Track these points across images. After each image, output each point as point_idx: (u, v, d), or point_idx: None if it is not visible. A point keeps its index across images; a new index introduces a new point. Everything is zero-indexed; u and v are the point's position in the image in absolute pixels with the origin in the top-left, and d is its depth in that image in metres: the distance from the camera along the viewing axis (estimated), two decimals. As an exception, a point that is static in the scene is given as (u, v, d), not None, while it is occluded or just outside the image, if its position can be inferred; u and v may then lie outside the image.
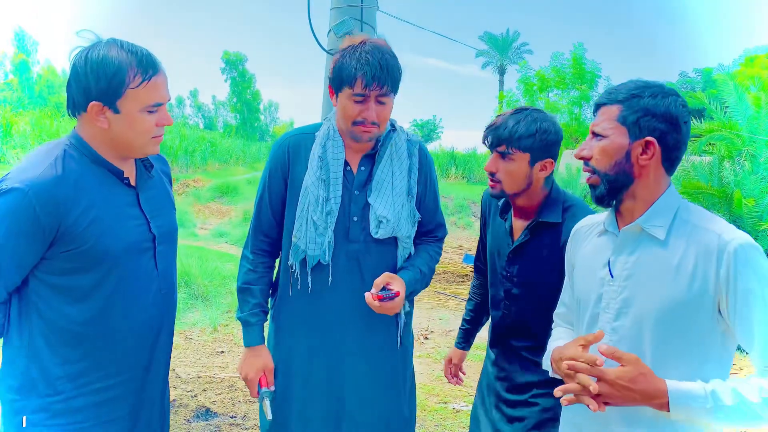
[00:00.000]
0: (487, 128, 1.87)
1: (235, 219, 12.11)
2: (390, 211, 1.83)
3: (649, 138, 1.37)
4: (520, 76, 28.61)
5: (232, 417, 3.53)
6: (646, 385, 1.27)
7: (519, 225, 1.94)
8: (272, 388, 1.92)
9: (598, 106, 1.45)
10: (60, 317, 1.54)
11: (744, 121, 8.68)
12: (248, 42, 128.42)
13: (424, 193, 1.98)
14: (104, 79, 1.47)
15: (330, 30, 3.93)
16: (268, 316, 1.99)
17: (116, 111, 1.51)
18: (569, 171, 11.59)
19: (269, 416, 1.87)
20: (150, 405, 1.73)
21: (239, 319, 1.95)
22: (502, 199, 1.98)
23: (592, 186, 1.44)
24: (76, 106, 1.54)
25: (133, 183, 1.66)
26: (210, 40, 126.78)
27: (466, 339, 2.37)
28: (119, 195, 1.61)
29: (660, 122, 1.37)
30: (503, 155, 1.82)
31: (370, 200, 1.83)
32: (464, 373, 2.41)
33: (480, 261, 2.24)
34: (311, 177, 1.84)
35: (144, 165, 1.71)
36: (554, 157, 1.85)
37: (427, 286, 2.01)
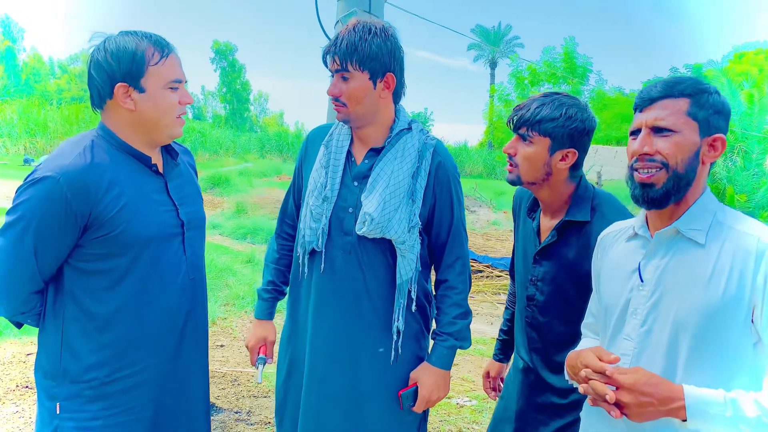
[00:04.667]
0: (514, 109, 1.80)
1: (228, 211, 11.99)
2: (378, 210, 1.73)
3: (719, 135, 1.33)
4: (511, 70, 28.69)
5: (236, 412, 3.50)
6: (662, 388, 1.23)
7: (547, 225, 1.83)
8: (270, 361, 2.03)
9: (652, 100, 1.35)
10: (94, 303, 1.58)
11: (736, 118, 8.72)
12: (238, 32, 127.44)
13: (435, 204, 1.84)
14: (126, 60, 1.55)
15: (338, 21, 3.89)
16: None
17: (141, 90, 1.57)
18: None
19: (258, 380, 1.99)
20: (184, 393, 1.75)
21: (256, 291, 2.08)
22: (531, 198, 1.91)
23: (651, 185, 1.33)
24: (102, 95, 1.59)
25: (161, 171, 1.70)
26: (200, 29, 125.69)
27: (503, 351, 2.24)
28: (148, 182, 1.65)
29: (724, 120, 1.34)
30: (523, 138, 1.73)
31: (362, 195, 1.78)
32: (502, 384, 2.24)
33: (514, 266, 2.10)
34: (316, 164, 1.87)
35: (170, 155, 1.75)
36: (579, 148, 1.73)
37: (467, 328, 1.88)
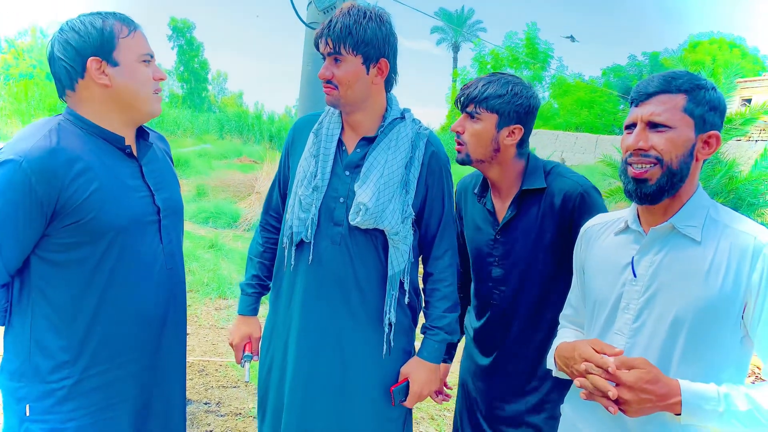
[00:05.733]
0: (461, 88, 1.82)
1: (188, 194, 11.68)
2: (372, 199, 1.69)
3: (714, 132, 1.33)
4: (474, 54, 28.83)
5: (206, 403, 3.41)
6: (661, 385, 1.24)
7: (501, 204, 1.85)
8: (256, 358, 1.98)
9: (649, 95, 1.35)
10: (64, 296, 1.49)
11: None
12: (196, 9, 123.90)
13: (427, 195, 1.81)
14: (95, 35, 1.48)
15: (310, 2, 3.77)
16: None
17: (114, 63, 1.51)
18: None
19: (246, 378, 1.95)
20: (165, 386, 1.69)
21: (239, 285, 2.02)
22: (479, 182, 1.91)
23: (644, 180, 1.33)
24: (72, 75, 1.50)
25: (134, 154, 1.62)
26: (156, 5, 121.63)
27: (447, 350, 2.14)
28: (121, 166, 1.56)
29: (719, 117, 1.34)
30: (471, 115, 1.77)
31: (355, 185, 1.74)
32: (450, 388, 2.17)
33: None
34: (305, 152, 1.82)
35: (143, 137, 1.67)
36: (524, 124, 1.77)
37: (456, 320, 1.85)
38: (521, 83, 1.77)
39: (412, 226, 1.79)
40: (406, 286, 1.80)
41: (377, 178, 1.71)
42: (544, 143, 23.38)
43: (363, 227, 1.72)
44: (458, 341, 1.95)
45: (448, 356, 2.17)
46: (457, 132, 1.80)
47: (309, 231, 1.76)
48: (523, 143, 1.80)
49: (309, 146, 1.81)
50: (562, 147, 24.02)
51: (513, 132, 1.76)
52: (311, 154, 1.79)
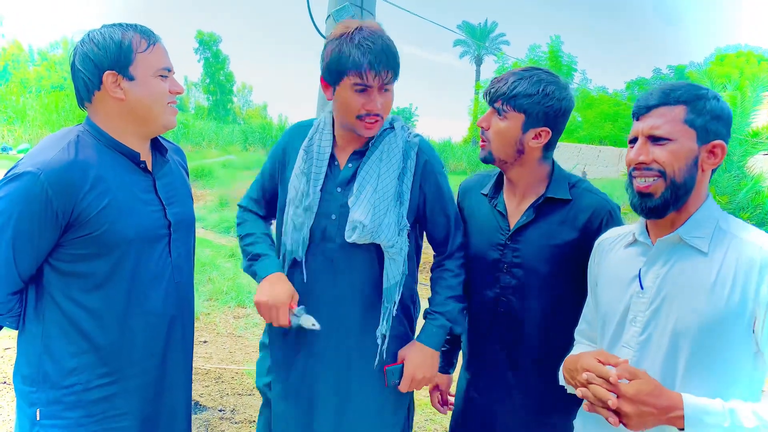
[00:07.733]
0: (491, 81, 1.74)
1: (211, 204, 11.87)
2: (368, 216, 1.67)
3: (718, 142, 1.32)
4: (497, 67, 28.81)
5: (220, 410, 3.45)
6: (663, 398, 1.22)
7: (515, 207, 1.77)
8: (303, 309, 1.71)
9: (649, 108, 1.34)
10: (74, 306, 1.52)
11: (719, 120, 8.80)
12: (222, 22, 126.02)
13: (424, 202, 1.80)
14: (113, 49, 1.51)
15: (329, 16, 3.82)
16: None
17: (130, 78, 1.53)
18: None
19: (317, 326, 1.68)
20: (170, 398, 1.70)
21: (246, 264, 1.83)
22: (489, 185, 1.85)
23: (649, 194, 1.33)
24: (89, 87, 1.53)
25: (149, 168, 1.64)
26: (183, 19, 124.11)
27: (448, 361, 2.09)
28: (135, 180, 1.59)
29: (723, 126, 1.33)
30: (498, 112, 1.69)
31: (349, 202, 1.72)
32: (452, 395, 2.10)
33: None
34: (295, 169, 1.79)
35: (159, 151, 1.69)
36: (553, 128, 1.68)
37: (460, 312, 1.83)
38: (555, 83, 1.68)
39: (408, 237, 1.78)
40: (396, 298, 1.78)
41: (371, 193, 1.70)
42: (567, 156, 23.20)
43: (359, 242, 1.71)
44: (460, 334, 1.89)
45: (450, 366, 2.11)
46: (482, 127, 1.74)
47: (301, 250, 1.76)
48: (549, 147, 1.73)
49: (299, 164, 1.78)
50: (585, 160, 23.80)
51: (540, 134, 1.68)
52: (302, 172, 1.77)
